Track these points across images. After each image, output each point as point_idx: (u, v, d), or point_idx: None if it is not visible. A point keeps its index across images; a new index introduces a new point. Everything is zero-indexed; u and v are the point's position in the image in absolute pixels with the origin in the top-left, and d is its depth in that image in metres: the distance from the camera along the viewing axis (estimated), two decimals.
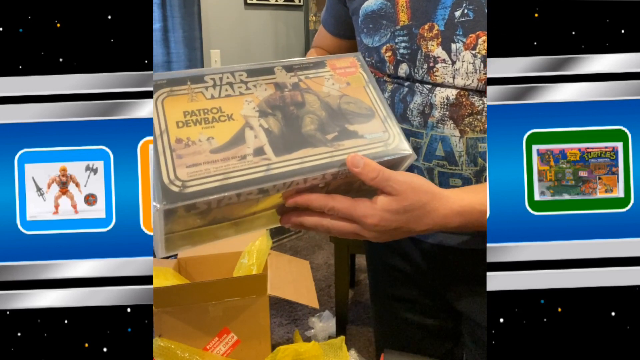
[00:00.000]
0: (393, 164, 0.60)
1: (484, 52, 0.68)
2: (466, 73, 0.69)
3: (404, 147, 0.59)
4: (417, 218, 0.59)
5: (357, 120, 0.59)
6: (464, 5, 0.68)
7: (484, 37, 0.67)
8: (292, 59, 0.62)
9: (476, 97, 0.70)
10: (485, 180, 0.72)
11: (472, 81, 0.69)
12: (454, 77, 0.70)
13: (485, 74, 0.68)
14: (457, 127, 0.71)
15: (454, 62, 0.70)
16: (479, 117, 0.70)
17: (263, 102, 0.57)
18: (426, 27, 0.71)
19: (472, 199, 0.61)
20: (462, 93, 0.70)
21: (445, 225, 0.60)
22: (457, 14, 0.69)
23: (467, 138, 0.71)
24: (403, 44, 0.73)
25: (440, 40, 0.70)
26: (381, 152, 0.58)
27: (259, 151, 0.53)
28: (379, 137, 0.59)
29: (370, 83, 0.63)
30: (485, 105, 0.69)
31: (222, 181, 0.50)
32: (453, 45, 0.69)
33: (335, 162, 0.55)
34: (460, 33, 0.69)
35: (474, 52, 0.68)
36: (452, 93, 0.71)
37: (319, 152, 0.55)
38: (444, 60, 0.70)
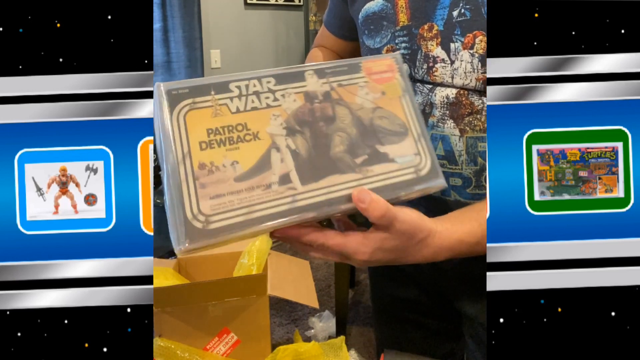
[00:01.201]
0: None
1: (481, 51, 0.68)
2: (464, 72, 0.69)
3: (436, 176, 0.57)
4: (407, 254, 0.57)
5: (389, 139, 0.56)
6: (461, 5, 0.69)
7: (481, 37, 0.67)
8: (326, 62, 0.57)
9: (475, 97, 0.70)
10: (485, 180, 0.72)
11: (471, 81, 0.69)
12: (452, 77, 0.70)
13: (483, 73, 0.68)
14: (457, 127, 0.71)
15: (452, 62, 0.70)
16: (478, 116, 0.70)
17: (291, 118, 0.53)
18: (426, 27, 0.71)
19: (462, 232, 0.59)
20: (461, 92, 0.70)
21: (434, 259, 0.59)
22: (455, 13, 0.69)
23: (467, 137, 0.71)
24: (403, 44, 0.74)
25: (439, 40, 0.70)
26: (411, 180, 0.55)
27: (285, 179, 0.51)
28: (410, 161, 0.56)
29: (407, 92, 0.59)
30: (485, 105, 0.69)
31: (246, 215, 0.48)
32: (452, 45, 0.69)
33: None
34: (459, 33, 0.69)
35: (471, 51, 0.68)
36: (451, 92, 0.71)
37: (347, 179, 0.53)
38: (443, 60, 0.71)
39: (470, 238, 0.60)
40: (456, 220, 0.61)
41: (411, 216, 0.56)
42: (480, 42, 0.68)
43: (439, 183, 0.57)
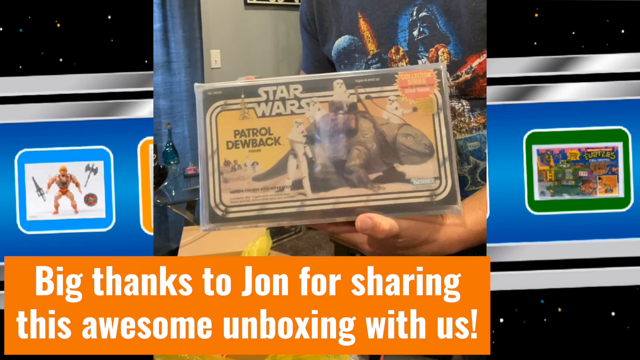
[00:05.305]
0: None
1: (445, 62, 0.71)
2: None
3: (452, 203, 0.55)
4: (414, 250, 0.59)
5: (409, 159, 0.55)
6: (418, 24, 0.74)
7: (442, 49, 0.71)
8: (359, 71, 0.58)
9: (454, 101, 0.72)
10: (479, 177, 0.74)
11: None
12: None
13: (454, 80, 0.71)
14: None
15: None
16: (462, 118, 0.73)
17: (313, 126, 0.55)
18: (392, 50, 0.76)
19: (469, 222, 0.61)
20: None
21: (445, 252, 0.60)
22: (415, 33, 0.74)
23: (456, 140, 0.73)
24: None
25: (407, 60, 0.75)
26: (424, 204, 0.55)
27: (297, 184, 0.55)
28: (428, 184, 0.55)
29: (442, 110, 0.56)
30: (466, 107, 0.73)
31: (258, 212, 0.55)
32: (419, 62, 0.74)
33: (368, 209, 0.54)
34: (422, 49, 0.73)
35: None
36: None
37: (356, 193, 0.55)
38: None
39: (477, 226, 0.61)
40: (464, 207, 0.63)
41: (414, 219, 0.57)
42: (443, 53, 0.71)
43: (454, 210, 0.56)
